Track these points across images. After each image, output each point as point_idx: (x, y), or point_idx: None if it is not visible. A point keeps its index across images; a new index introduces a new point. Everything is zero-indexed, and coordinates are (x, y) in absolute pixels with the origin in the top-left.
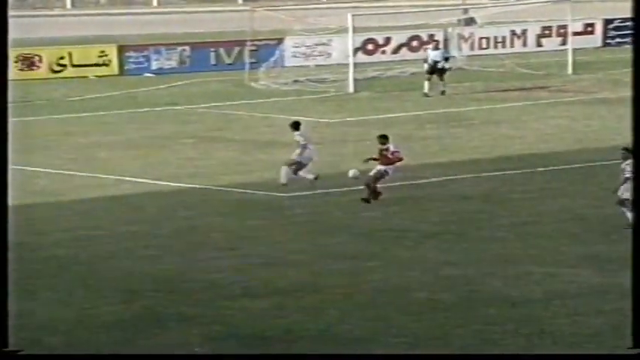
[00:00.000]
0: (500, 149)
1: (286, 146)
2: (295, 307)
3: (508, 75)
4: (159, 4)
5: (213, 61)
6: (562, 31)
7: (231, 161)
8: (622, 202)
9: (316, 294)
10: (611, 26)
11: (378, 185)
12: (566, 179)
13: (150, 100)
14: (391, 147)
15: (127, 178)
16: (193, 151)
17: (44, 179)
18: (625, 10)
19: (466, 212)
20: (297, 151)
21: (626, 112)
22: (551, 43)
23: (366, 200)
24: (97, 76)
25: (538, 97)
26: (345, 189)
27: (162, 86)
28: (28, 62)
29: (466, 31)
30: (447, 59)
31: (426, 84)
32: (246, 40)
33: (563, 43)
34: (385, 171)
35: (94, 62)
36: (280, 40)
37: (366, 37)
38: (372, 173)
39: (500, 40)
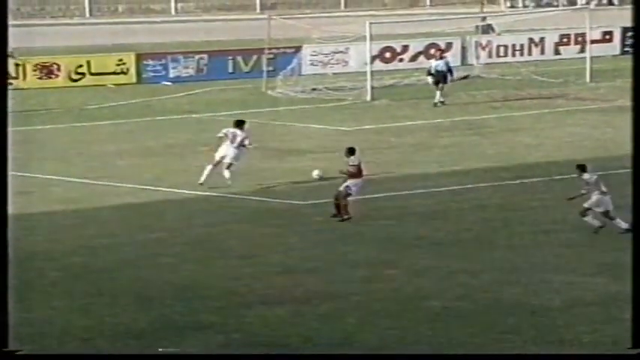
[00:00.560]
0: (518, 157)
1: (304, 154)
2: (312, 315)
3: (526, 83)
4: (177, 12)
5: (230, 70)
6: (580, 39)
7: (248, 169)
8: (584, 213)
9: (333, 302)
10: (629, 34)
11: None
12: None
13: (167, 108)
14: (350, 160)
15: (145, 187)
16: (210, 159)
17: (62, 187)
18: None
19: (483, 220)
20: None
21: None
22: (569, 51)
23: (335, 216)
24: (115, 84)
25: (556, 105)
26: (361, 197)
27: (179, 94)
28: (47, 71)
29: (484, 38)
30: (450, 70)
31: (438, 93)
32: (263, 49)
33: (582, 50)
34: (348, 186)
35: (112, 71)
36: (298, 49)
37: (383, 45)
38: (340, 189)
39: (518, 47)
